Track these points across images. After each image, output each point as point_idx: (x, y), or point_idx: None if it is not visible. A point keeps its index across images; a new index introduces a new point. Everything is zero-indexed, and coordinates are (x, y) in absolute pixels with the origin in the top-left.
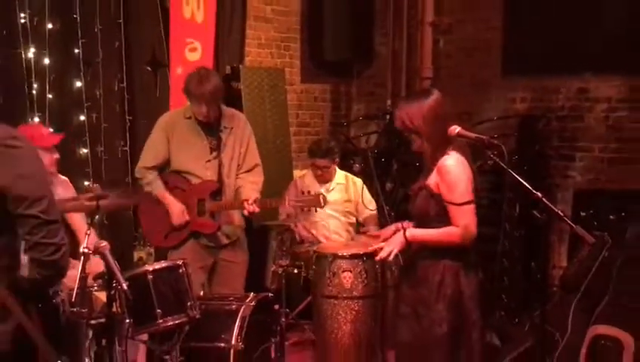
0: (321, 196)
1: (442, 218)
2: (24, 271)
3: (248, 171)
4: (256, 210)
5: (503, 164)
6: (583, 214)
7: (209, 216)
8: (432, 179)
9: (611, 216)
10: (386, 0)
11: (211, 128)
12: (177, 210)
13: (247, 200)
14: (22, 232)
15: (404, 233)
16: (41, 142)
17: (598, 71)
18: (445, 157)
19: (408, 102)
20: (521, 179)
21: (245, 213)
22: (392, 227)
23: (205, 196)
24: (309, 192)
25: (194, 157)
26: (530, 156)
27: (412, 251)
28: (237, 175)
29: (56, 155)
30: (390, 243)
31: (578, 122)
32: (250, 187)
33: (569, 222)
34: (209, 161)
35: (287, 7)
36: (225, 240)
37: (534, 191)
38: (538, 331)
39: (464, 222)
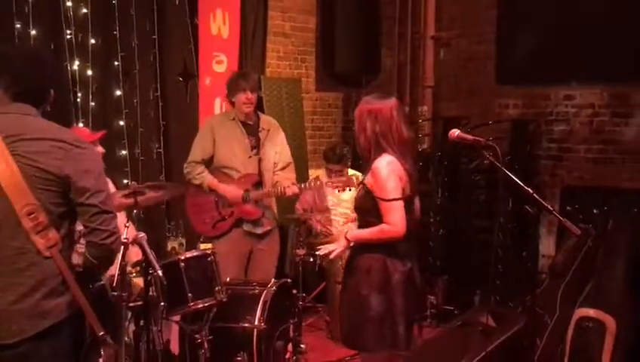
0: (354, 177)
1: (377, 213)
2: (75, 259)
3: (283, 169)
4: (297, 191)
5: (497, 164)
6: (569, 209)
7: (253, 204)
8: (368, 178)
9: (595, 211)
10: (392, 17)
11: (252, 128)
12: (232, 190)
13: (287, 186)
14: (82, 219)
15: (346, 235)
16: (86, 139)
17: (582, 80)
18: (379, 158)
19: (365, 99)
20: (514, 177)
21: (289, 193)
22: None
23: (249, 187)
24: (342, 174)
25: (237, 154)
26: (522, 156)
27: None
28: (273, 172)
29: (101, 149)
30: (335, 244)
31: (565, 126)
32: (287, 182)
33: (558, 215)
34: (250, 157)
35: (303, 24)
36: (267, 226)
37: (526, 188)
38: (529, 313)
39: (392, 217)
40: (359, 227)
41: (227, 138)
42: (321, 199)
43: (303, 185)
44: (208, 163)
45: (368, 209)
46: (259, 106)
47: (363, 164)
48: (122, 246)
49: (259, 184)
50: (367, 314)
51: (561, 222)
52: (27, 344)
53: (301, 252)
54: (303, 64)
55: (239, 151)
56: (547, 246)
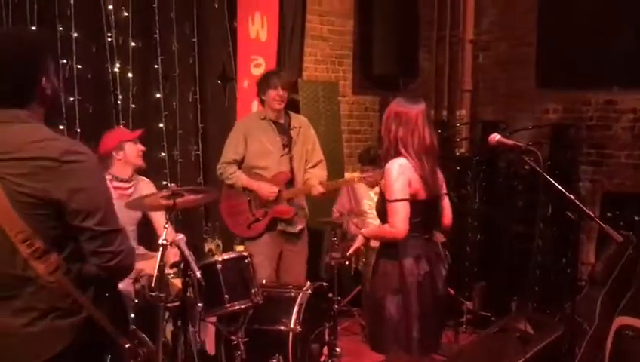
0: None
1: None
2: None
3: (314, 166)
4: (322, 190)
5: (538, 169)
6: (609, 215)
7: (286, 203)
8: (383, 180)
9: (636, 217)
10: (430, 20)
11: (283, 127)
12: (267, 186)
13: (313, 186)
14: (81, 241)
15: (361, 232)
16: (126, 137)
17: (624, 85)
18: (392, 160)
19: (394, 101)
20: (555, 183)
21: (314, 192)
22: None
23: (281, 185)
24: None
25: (269, 153)
26: (562, 162)
27: None
28: (305, 169)
29: (142, 147)
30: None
31: (606, 131)
32: (317, 180)
33: (599, 221)
34: (282, 155)
35: (341, 28)
36: (300, 225)
37: (568, 194)
38: (568, 321)
39: (392, 218)
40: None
41: (258, 137)
42: (356, 202)
43: (331, 183)
44: (240, 163)
45: (383, 211)
46: (296, 109)
47: (382, 165)
48: (161, 248)
49: (291, 182)
50: (383, 317)
51: (601, 229)
52: None
53: (337, 255)
54: (340, 67)
55: (271, 150)
56: (587, 253)
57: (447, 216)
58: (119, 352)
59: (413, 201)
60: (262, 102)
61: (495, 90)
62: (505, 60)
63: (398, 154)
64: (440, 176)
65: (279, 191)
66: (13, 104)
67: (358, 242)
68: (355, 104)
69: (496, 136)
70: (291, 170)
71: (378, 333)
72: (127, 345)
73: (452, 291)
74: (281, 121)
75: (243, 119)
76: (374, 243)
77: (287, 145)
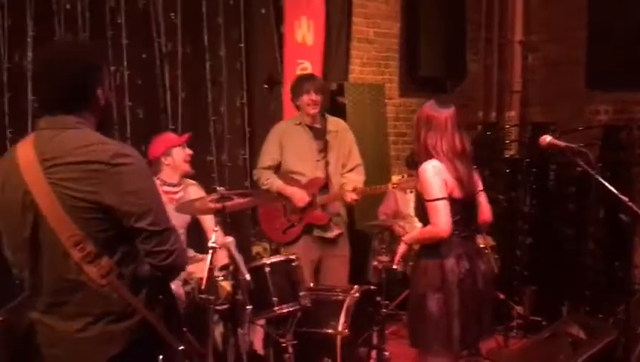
0: None
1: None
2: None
3: (351, 170)
4: (355, 197)
5: (590, 171)
6: None
7: (320, 209)
8: (418, 183)
9: None
10: (478, 22)
11: (319, 131)
12: (299, 194)
13: (346, 191)
14: (136, 242)
15: (403, 240)
16: (174, 142)
17: None
18: (425, 162)
19: (426, 104)
20: (608, 185)
21: (348, 199)
22: None
23: (315, 191)
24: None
25: (304, 158)
26: (613, 163)
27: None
28: (342, 174)
29: (189, 151)
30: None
31: None
32: (353, 184)
33: None
34: (318, 160)
35: (387, 30)
36: (336, 231)
37: (621, 196)
38: (622, 325)
39: (434, 217)
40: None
41: (294, 143)
42: (403, 204)
43: (370, 188)
44: (277, 168)
45: (423, 213)
46: (342, 112)
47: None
48: (210, 251)
49: (325, 188)
50: (424, 314)
51: None
52: None
53: (384, 258)
54: (386, 70)
55: (306, 156)
56: None
57: (486, 211)
58: (172, 354)
59: (451, 200)
60: (297, 107)
61: (544, 91)
62: (554, 61)
63: (429, 156)
64: (475, 174)
65: (313, 195)
66: (64, 111)
67: (401, 250)
68: (401, 106)
69: (547, 138)
70: (327, 175)
71: (419, 330)
72: (180, 348)
73: (502, 295)
74: (318, 126)
75: (279, 124)
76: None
77: (323, 150)
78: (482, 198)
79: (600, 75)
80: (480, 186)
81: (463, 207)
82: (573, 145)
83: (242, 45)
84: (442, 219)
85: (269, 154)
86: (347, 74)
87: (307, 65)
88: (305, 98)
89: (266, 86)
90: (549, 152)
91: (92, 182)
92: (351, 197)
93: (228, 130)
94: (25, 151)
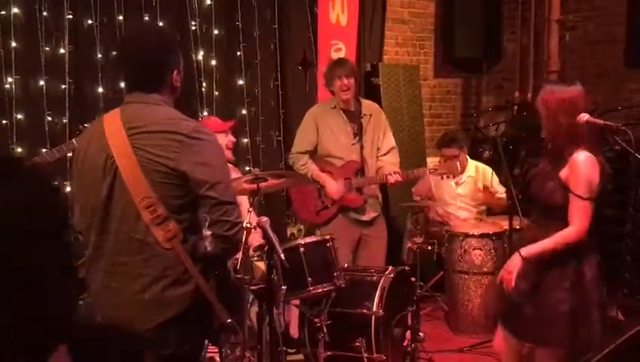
0: (457, 162)
1: (566, 209)
2: (208, 245)
3: (386, 154)
4: (399, 179)
5: (630, 150)
6: None
7: (356, 192)
8: (564, 172)
9: None
10: (514, 0)
11: (353, 115)
12: (334, 186)
13: (389, 174)
14: (204, 211)
15: (520, 254)
16: (218, 128)
17: None
18: (578, 152)
19: (550, 87)
20: None
21: (391, 180)
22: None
23: (351, 174)
24: (457, 159)
25: (340, 142)
26: None
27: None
28: (377, 157)
29: (233, 138)
30: (508, 269)
31: None
32: (390, 167)
33: None
34: (353, 144)
35: (422, 10)
36: (372, 214)
37: None
38: None
39: (580, 218)
40: (537, 220)
41: (329, 127)
42: (437, 188)
43: (408, 173)
44: (312, 153)
45: (559, 204)
46: (377, 93)
47: (552, 156)
48: (245, 231)
49: (361, 171)
50: (561, 312)
51: None
52: (153, 331)
53: (418, 240)
54: (421, 50)
55: (342, 139)
56: None
57: None
58: (220, 326)
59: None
60: (331, 92)
61: (583, 70)
62: (593, 40)
63: (576, 142)
64: None
65: (348, 179)
66: (150, 89)
67: (515, 269)
68: (436, 87)
69: (585, 116)
70: (362, 158)
71: (553, 328)
72: (228, 321)
73: None
74: (352, 109)
75: (314, 108)
76: (459, 229)
77: (358, 133)
78: None
79: None
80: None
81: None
82: (611, 124)
83: (276, 26)
84: (587, 220)
85: (304, 139)
86: (381, 55)
87: (341, 46)
88: (337, 83)
89: (300, 67)
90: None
91: (171, 149)
92: (395, 178)
93: (262, 111)
94: (112, 120)
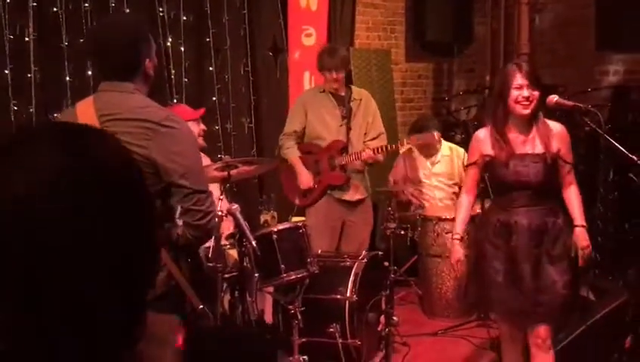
0: (435, 134)
1: (555, 180)
2: (179, 232)
3: (374, 139)
4: (371, 154)
5: (599, 130)
6: None
7: (339, 170)
8: (555, 145)
9: None
10: None
11: (342, 99)
12: (304, 176)
13: (362, 150)
14: (175, 200)
15: (582, 227)
16: (190, 116)
17: None
18: (552, 122)
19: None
20: (617, 144)
21: (364, 156)
22: None
23: (334, 153)
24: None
25: (327, 124)
26: (623, 126)
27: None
28: (364, 142)
29: (203, 127)
30: (585, 244)
31: None
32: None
33: None
34: (341, 125)
35: None
36: (356, 195)
37: (631, 156)
38: (632, 287)
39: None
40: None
41: (318, 110)
42: (412, 170)
43: (381, 147)
44: (301, 134)
45: (553, 178)
46: (348, 78)
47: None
48: (216, 219)
49: (345, 150)
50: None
51: None
52: None
53: (392, 225)
54: (392, 35)
55: (329, 121)
56: None
57: None
58: (192, 312)
59: None
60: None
61: (553, 53)
62: (563, 22)
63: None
64: None
65: (331, 157)
66: (124, 78)
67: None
68: (408, 72)
69: (554, 98)
70: (348, 139)
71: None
72: (200, 306)
73: None
74: (342, 94)
75: (303, 94)
76: (432, 213)
77: (347, 116)
78: None
79: (610, 35)
80: None
81: None
82: (580, 105)
83: (245, 12)
84: None
85: (293, 121)
86: (353, 39)
87: (312, 31)
88: (327, 75)
89: (271, 53)
90: (557, 113)
91: (143, 137)
92: (367, 154)
93: (232, 98)
94: (84, 108)
